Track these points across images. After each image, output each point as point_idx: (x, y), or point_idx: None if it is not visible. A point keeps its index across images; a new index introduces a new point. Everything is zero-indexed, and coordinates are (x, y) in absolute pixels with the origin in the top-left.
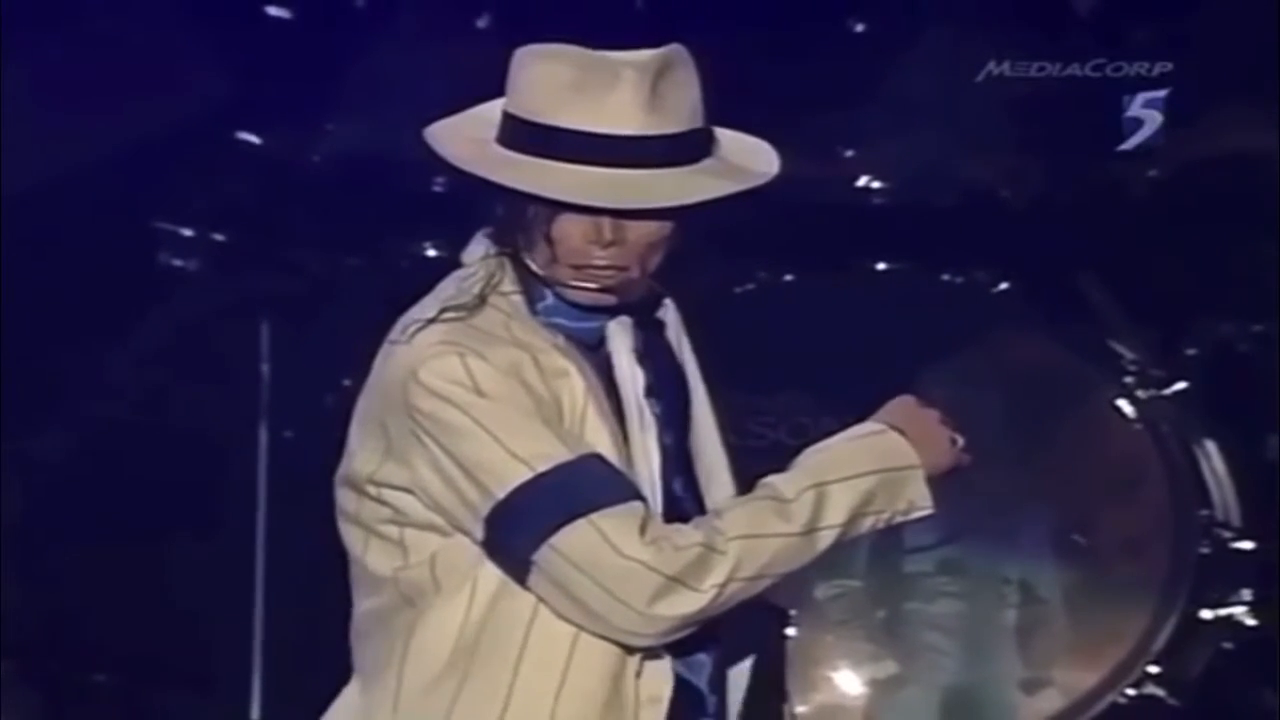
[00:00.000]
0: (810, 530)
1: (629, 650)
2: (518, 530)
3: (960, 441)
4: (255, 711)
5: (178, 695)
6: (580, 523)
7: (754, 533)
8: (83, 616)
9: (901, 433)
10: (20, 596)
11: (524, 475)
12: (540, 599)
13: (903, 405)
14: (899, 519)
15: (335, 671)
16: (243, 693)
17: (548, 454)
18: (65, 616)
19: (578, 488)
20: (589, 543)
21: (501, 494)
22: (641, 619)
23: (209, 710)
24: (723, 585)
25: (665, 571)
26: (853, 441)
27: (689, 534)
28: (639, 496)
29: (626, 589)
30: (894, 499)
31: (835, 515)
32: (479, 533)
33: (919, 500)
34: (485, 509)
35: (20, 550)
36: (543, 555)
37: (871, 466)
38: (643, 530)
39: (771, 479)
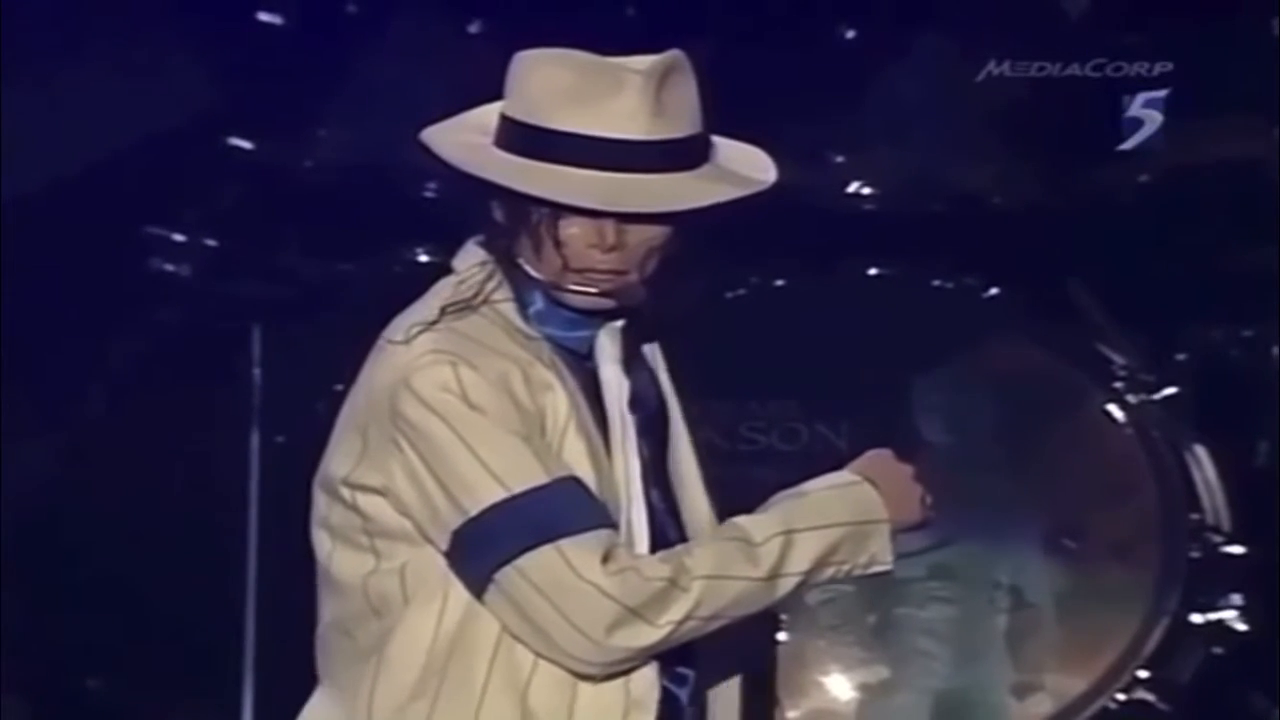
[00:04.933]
0: (773, 576)
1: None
2: (484, 548)
3: (930, 500)
4: (247, 717)
5: (169, 701)
6: (546, 548)
7: (719, 574)
8: (75, 621)
9: (875, 485)
10: (12, 601)
11: (498, 495)
12: (495, 616)
13: (880, 458)
14: (858, 572)
15: None
16: (234, 698)
17: (524, 475)
18: (57, 621)
19: (549, 512)
20: (552, 568)
21: (474, 510)
22: (594, 647)
23: (201, 715)
24: (680, 622)
25: (625, 603)
26: (827, 490)
27: (656, 567)
28: (609, 524)
29: (583, 616)
30: (857, 552)
31: (799, 563)
32: (444, 544)
33: (880, 555)
34: (455, 523)
35: (12, 555)
36: (504, 575)
37: (842, 518)
38: (608, 559)
39: (743, 520)
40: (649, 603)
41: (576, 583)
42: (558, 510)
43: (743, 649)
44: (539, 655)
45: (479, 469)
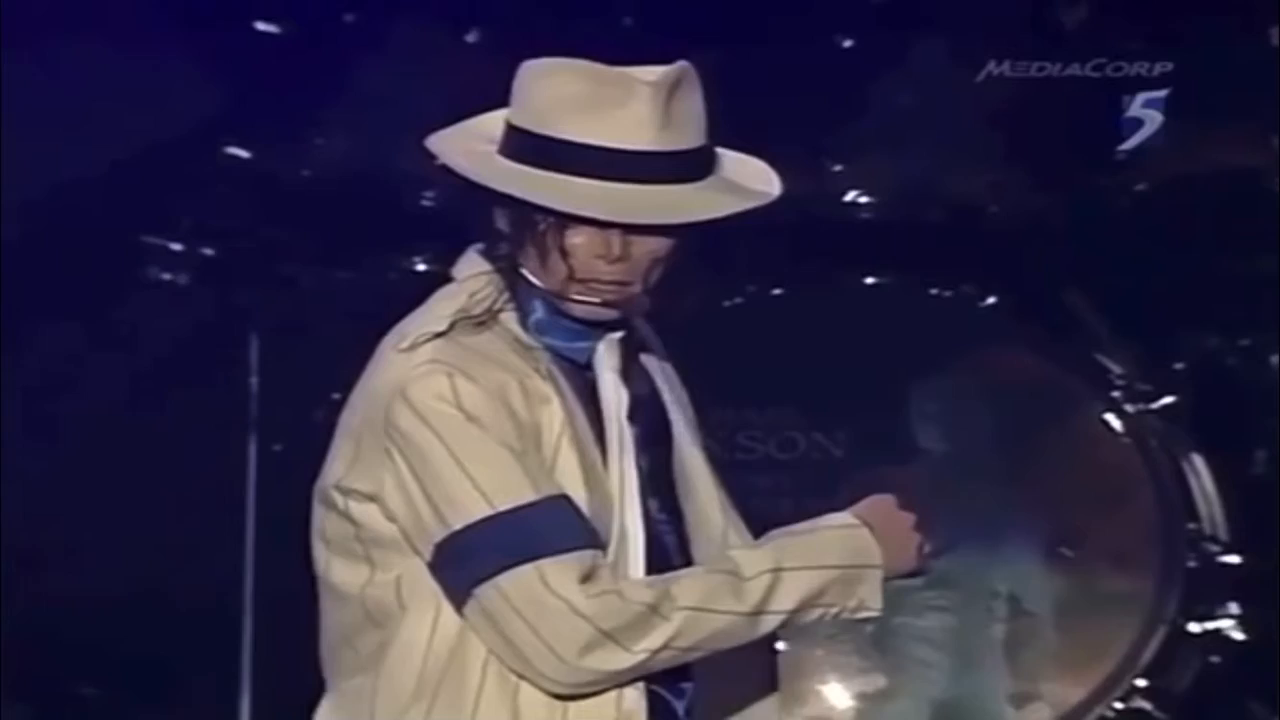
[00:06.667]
0: (757, 612)
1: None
2: (465, 563)
3: (927, 548)
4: None
5: (166, 709)
6: (526, 567)
7: (703, 606)
8: (72, 629)
9: (873, 531)
10: (11, 609)
11: (483, 511)
12: (474, 632)
13: (881, 504)
14: (846, 615)
15: (323, 686)
16: (231, 706)
17: (511, 492)
18: (55, 629)
19: (532, 531)
20: (530, 587)
21: (457, 525)
22: (566, 668)
23: None
24: (656, 651)
25: (600, 625)
26: (824, 531)
27: (639, 591)
28: (595, 545)
29: (558, 637)
30: (846, 596)
31: (785, 602)
32: (427, 555)
33: (869, 600)
34: (438, 535)
35: (11, 563)
36: (483, 591)
37: (834, 560)
38: (588, 580)
39: (736, 553)
40: (625, 627)
41: (553, 602)
42: (541, 529)
43: (741, 660)
44: (515, 674)
45: (465, 483)
